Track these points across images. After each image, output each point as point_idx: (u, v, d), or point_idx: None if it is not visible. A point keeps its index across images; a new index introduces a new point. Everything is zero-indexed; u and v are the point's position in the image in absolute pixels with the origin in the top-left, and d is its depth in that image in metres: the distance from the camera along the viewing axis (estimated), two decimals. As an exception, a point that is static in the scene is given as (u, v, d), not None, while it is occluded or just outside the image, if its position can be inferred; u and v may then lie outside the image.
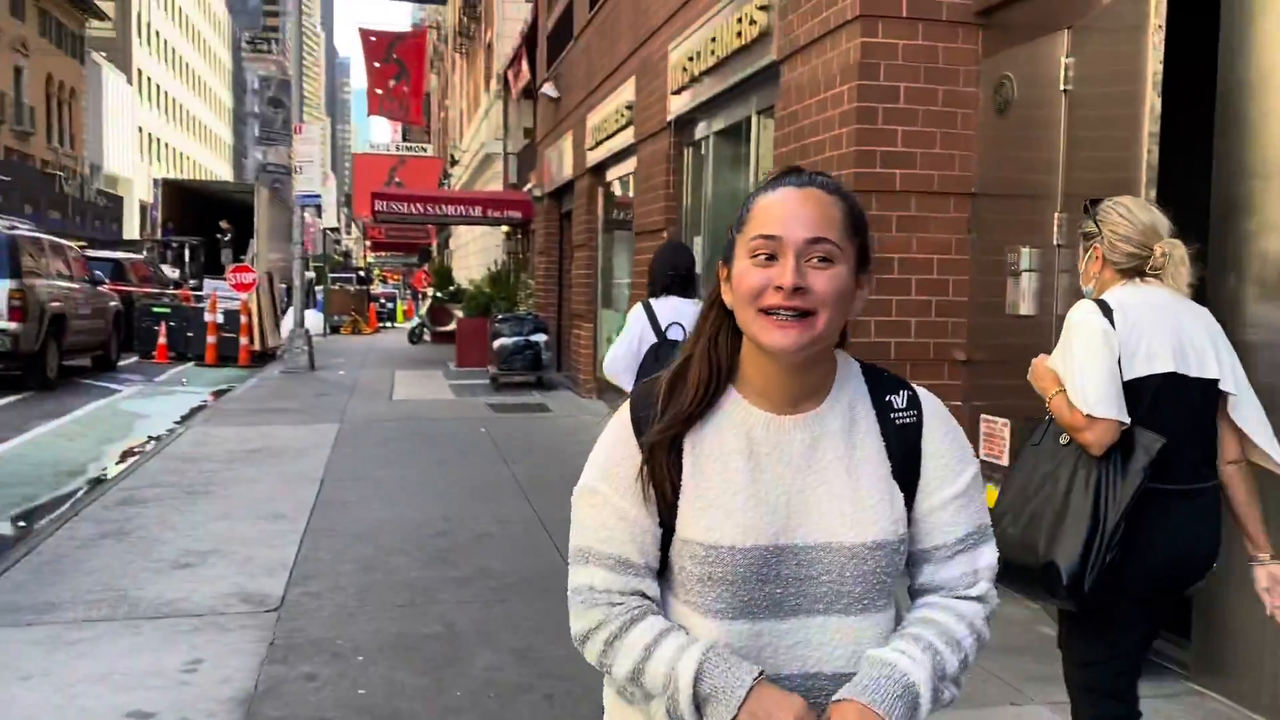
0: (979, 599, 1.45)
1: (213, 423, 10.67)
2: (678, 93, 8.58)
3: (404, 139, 52.46)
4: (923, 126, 5.38)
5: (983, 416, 5.18)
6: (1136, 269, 2.62)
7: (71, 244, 16.16)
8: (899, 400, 1.45)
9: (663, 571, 1.44)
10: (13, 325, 12.42)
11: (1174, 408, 2.54)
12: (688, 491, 1.38)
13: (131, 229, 51.80)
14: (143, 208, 56.52)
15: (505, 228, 21.91)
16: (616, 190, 12.51)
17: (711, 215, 8.53)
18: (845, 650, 1.39)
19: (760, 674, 1.32)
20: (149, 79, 68.34)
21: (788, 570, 1.36)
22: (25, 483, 7.89)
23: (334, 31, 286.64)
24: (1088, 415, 2.49)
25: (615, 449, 1.43)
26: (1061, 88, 4.57)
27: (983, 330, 5.35)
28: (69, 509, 6.72)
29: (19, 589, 4.99)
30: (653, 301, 4.53)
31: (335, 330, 27.13)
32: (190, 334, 18.23)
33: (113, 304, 16.36)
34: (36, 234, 14.27)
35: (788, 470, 1.38)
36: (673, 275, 4.60)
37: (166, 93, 73.04)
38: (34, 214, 37.05)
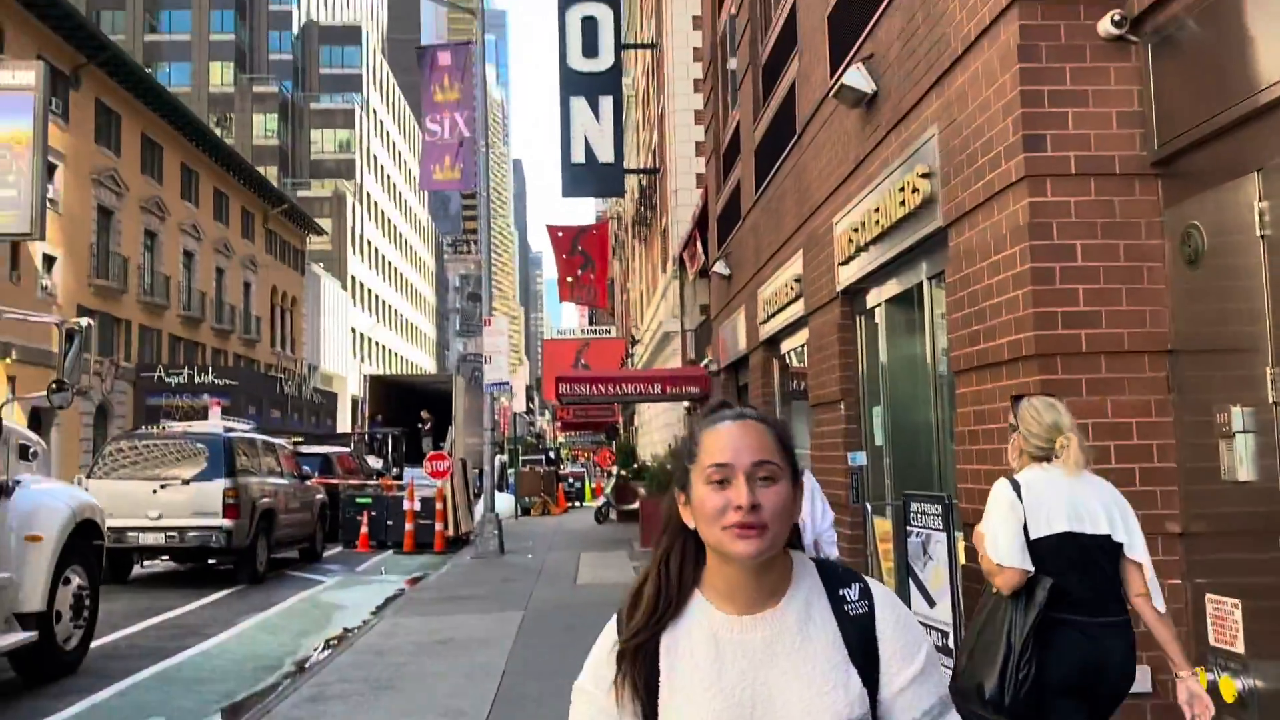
0: None
1: (403, 613, 10.86)
2: (845, 263, 8.51)
3: (590, 322, 54.59)
4: (1105, 284, 5.05)
5: (1208, 596, 4.61)
6: (1045, 455, 3.57)
7: (283, 441, 17.28)
8: (851, 593, 1.61)
9: None
10: (227, 522, 13.23)
11: (1070, 557, 3.41)
12: (664, 688, 1.57)
13: (344, 422, 55.24)
14: (354, 402, 60.51)
15: (686, 403, 22.07)
16: (791, 361, 12.40)
17: (889, 383, 8.26)
18: None
19: None
20: (361, 284, 74.42)
21: None
22: (227, 678, 8.15)
23: (526, 230, 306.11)
24: (999, 564, 3.44)
25: (601, 651, 1.65)
26: (1258, 233, 4.21)
27: (1198, 498, 4.82)
28: (260, 709, 6.84)
29: (205, 795, 5.05)
30: None
31: (526, 511, 27.65)
32: (390, 522, 18.94)
33: (319, 497, 17.26)
34: (250, 434, 15.35)
35: (750, 665, 1.55)
36: None
37: (376, 295, 79.19)
38: (255, 414, 40.19)
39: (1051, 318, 5.09)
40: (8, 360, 31.08)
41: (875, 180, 7.50)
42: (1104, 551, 3.43)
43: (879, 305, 8.32)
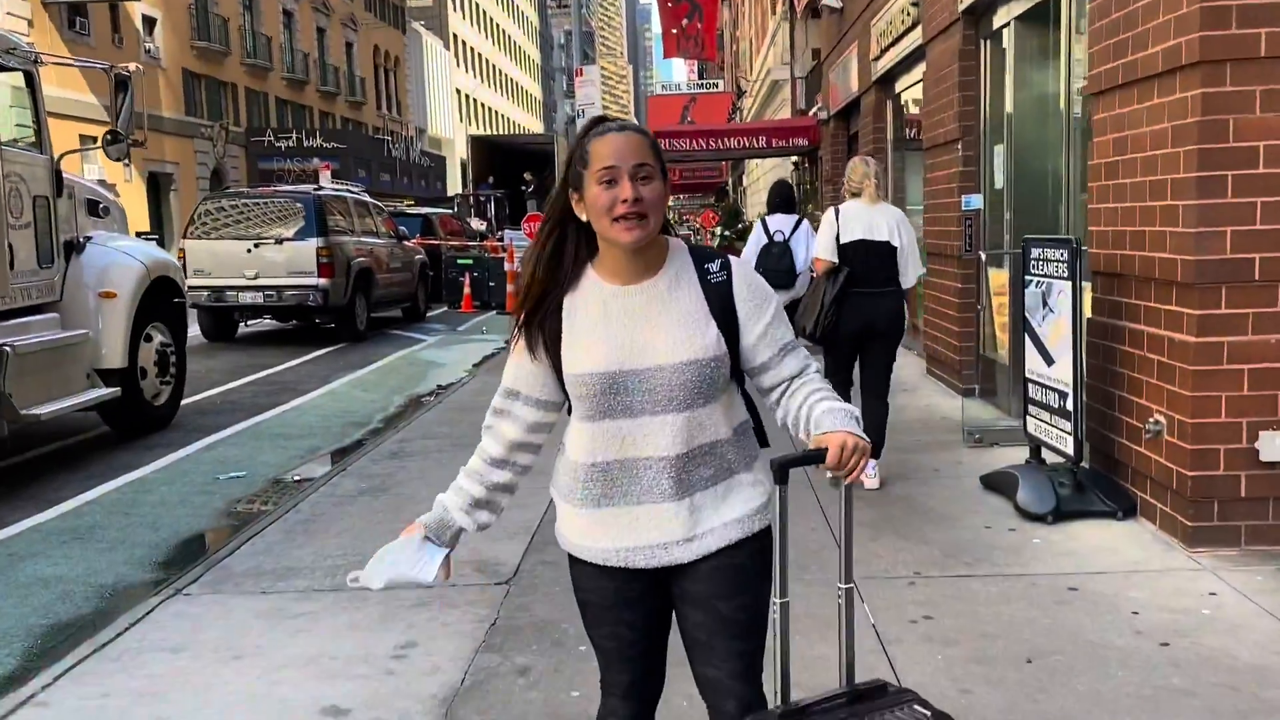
0: (817, 373, 2.10)
1: (495, 371, 10.67)
2: (970, -23, 7.33)
3: (700, 77, 52.19)
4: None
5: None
6: (856, 193, 5.51)
7: (377, 202, 16.96)
8: (714, 266, 2.03)
9: (569, 399, 2.05)
10: (322, 281, 13.15)
11: (864, 255, 5.38)
12: (565, 337, 1.99)
13: (454, 185, 55.23)
14: (463, 165, 60.25)
15: (793, 158, 20.91)
16: (906, 107, 11.26)
17: (1015, 119, 7.25)
18: (684, 436, 1.97)
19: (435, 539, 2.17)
20: (464, 43, 72.44)
21: (633, 385, 1.95)
22: (314, 433, 8.12)
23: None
24: (819, 259, 5.48)
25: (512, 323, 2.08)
26: None
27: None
28: (340, 464, 6.74)
29: (268, 550, 4.91)
30: (766, 217, 7.49)
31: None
32: (492, 283, 18.76)
33: (419, 258, 17.10)
34: (342, 193, 15.05)
35: (630, 321, 1.97)
36: (779, 200, 7.63)
37: (480, 54, 77.19)
38: (365, 177, 40.27)
39: (1223, 13, 4.09)
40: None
41: None
42: (884, 252, 5.43)
43: (1007, 25, 7.19)
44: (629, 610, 2.07)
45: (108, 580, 4.85)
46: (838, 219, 5.43)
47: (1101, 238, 5.09)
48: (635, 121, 2.04)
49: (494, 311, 18.14)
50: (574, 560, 2.11)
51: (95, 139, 7.51)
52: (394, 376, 11.13)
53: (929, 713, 1.84)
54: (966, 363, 7.99)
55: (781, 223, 7.29)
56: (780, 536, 1.98)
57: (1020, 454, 5.73)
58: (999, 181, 7.39)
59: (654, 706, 2.20)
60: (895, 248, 5.39)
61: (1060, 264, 4.99)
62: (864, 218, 5.40)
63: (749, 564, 2.01)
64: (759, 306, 2.02)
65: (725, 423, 2.01)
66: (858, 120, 13.56)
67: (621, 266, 1.98)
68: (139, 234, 26.21)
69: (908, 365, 9.85)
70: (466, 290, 18.67)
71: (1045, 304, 5.16)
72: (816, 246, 5.57)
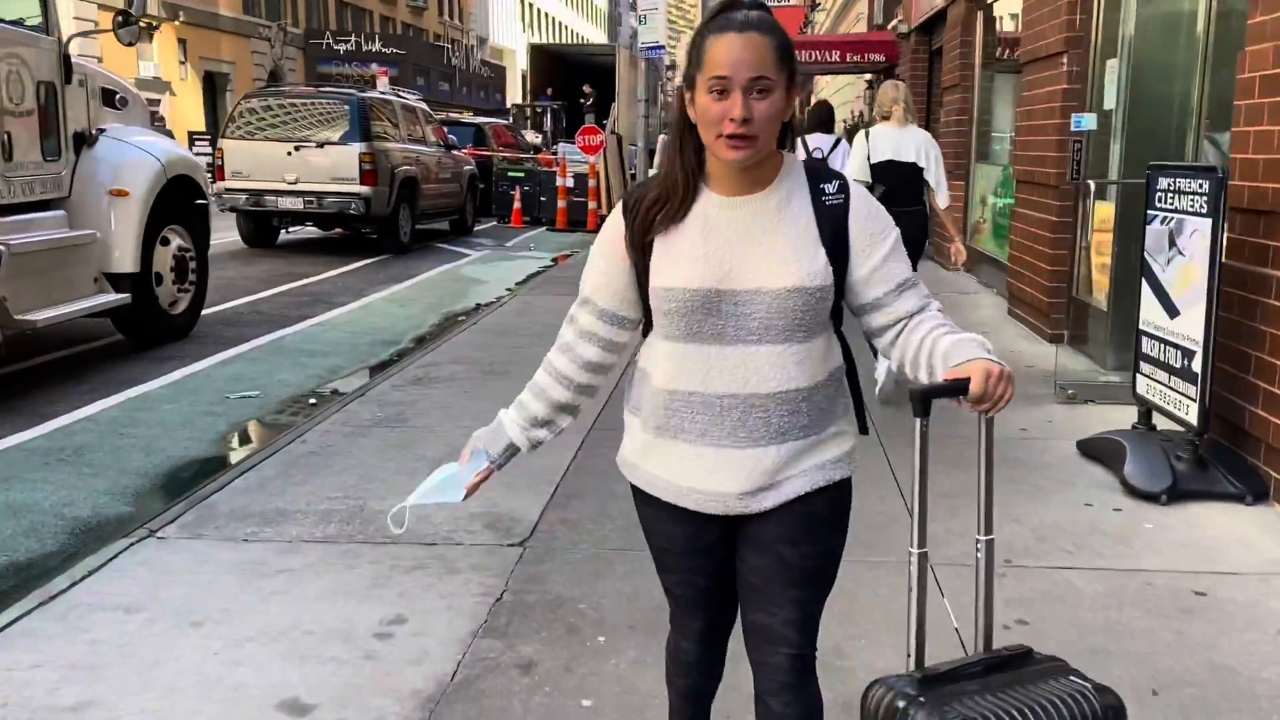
0: (939, 311, 1.85)
1: (538, 291, 10.06)
2: None
3: (770, -8, 50.12)
4: None
5: None
6: (884, 116, 5.85)
7: (427, 109, 16.22)
8: (830, 188, 1.81)
9: (648, 313, 1.86)
10: (364, 189, 12.53)
11: (892, 175, 5.66)
12: (658, 249, 1.80)
13: (514, 97, 54.14)
14: (523, 77, 58.99)
15: (867, 76, 19.73)
16: (1000, 23, 10.23)
17: (1136, 28, 6.31)
18: (776, 374, 1.77)
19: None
20: (529, -51, 70.42)
21: (727, 308, 1.75)
22: (339, 351, 7.57)
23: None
24: (853, 178, 4.37)
25: (615, 213, 1.88)
26: None
27: None
28: (359, 388, 6.17)
29: (261, 487, 4.36)
30: (806, 135, 6.97)
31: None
32: (543, 198, 18.06)
33: (468, 168, 16.38)
34: (388, 96, 14.35)
35: (733, 236, 1.77)
36: (817, 119, 7.32)
37: (545, -38, 75.07)
38: (424, 84, 39.50)
39: None
40: (176, 23, 30.88)
41: None
42: (910, 172, 5.67)
43: (1134, -83, 6.22)
44: (702, 557, 1.92)
45: (83, 513, 4.33)
46: (868, 141, 5.78)
47: (1248, 167, 4.26)
48: (767, 11, 1.73)
49: (544, 228, 17.46)
50: (640, 495, 1.94)
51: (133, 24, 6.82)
52: (433, 292, 10.53)
53: (1089, 684, 1.67)
54: (1057, 305, 7.17)
55: (820, 141, 7.11)
56: (920, 479, 1.76)
57: (1122, 416, 4.99)
58: (1109, 101, 6.48)
59: (725, 643, 2.05)
60: (921, 168, 5.69)
61: (1198, 197, 4.17)
62: (892, 139, 5.70)
63: (823, 513, 1.84)
64: (876, 237, 1.80)
65: (822, 364, 1.82)
66: (941, 35, 12.49)
67: (728, 179, 1.78)
68: (192, 134, 25.74)
69: (986, 304, 9.02)
70: (517, 205, 17.98)
71: (1172, 244, 4.36)
72: (850, 166, 5.86)
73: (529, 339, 7.50)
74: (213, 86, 33.89)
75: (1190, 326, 4.21)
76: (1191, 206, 4.21)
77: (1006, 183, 9.28)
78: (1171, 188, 4.38)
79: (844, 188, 1.81)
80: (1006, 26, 10.16)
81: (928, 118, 14.25)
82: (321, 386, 6.58)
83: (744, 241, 1.76)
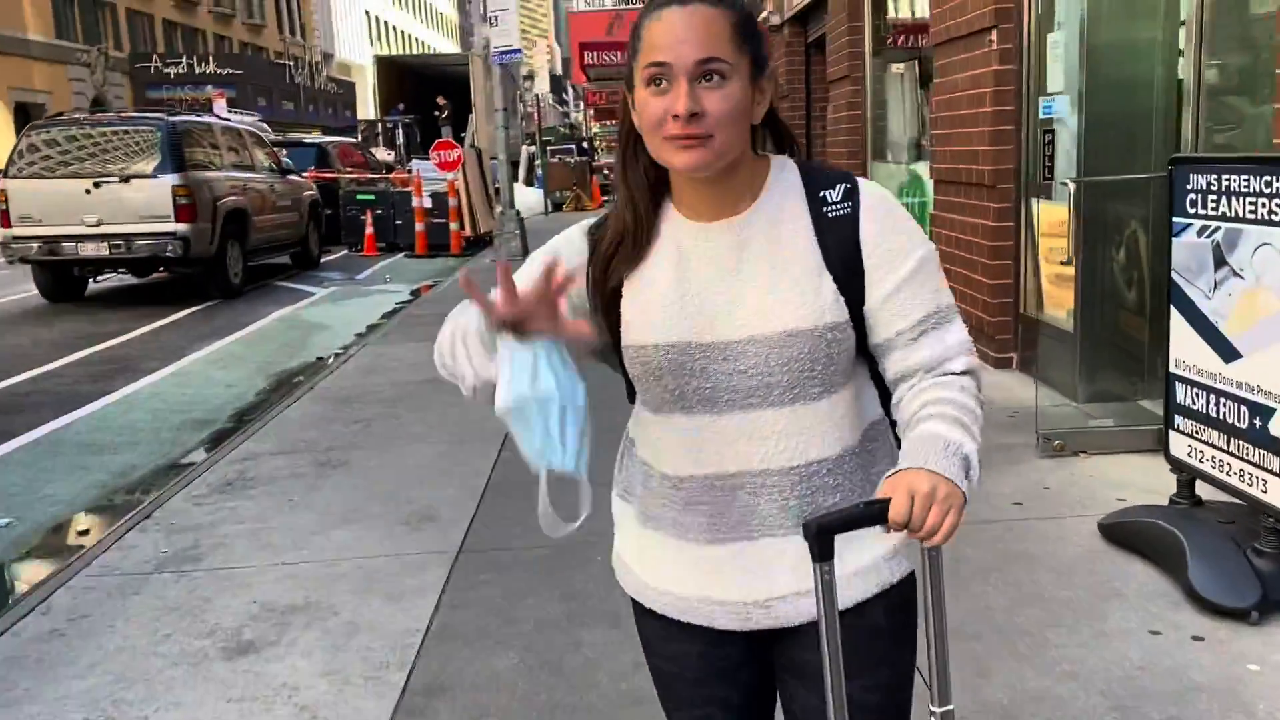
0: (964, 373, 1.36)
1: (393, 337, 8.58)
2: None
3: (624, -5, 49.35)
4: None
5: None
6: None
7: (255, 130, 14.46)
8: (834, 194, 1.39)
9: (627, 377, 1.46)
10: (181, 226, 10.78)
11: None
12: (627, 299, 1.39)
13: (365, 114, 51.99)
14: (374, 92, 56.72)
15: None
16: (891, 5, 9.26)
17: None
18: (787, 443, 1.36)
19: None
20: (372, -39, 68.00)
21: (715, 366, 1.35)
22: (135, 443, 5.98)
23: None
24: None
25: (567, 237, 1.46)
26: None
27: None
28: (141, 510, 4.62)
29: (-49, 719, 2.85)
30: None
31: (558, 207, 25.06)
32: (399, 222, 16.50)
33: (308, 194, 14.65)
34: (206, 119, 12.59)
35: (716, 273, 1.37)
36: None
37: (390, -27, 72.70)
38: (266, 106, 37.19)
39: None
40: None
41: None
42: None
43: None
44: (722, 684, 1.47)
45: None
46: None
47: (1314, 156, 3.19)
48: None
49: (401, 254, 15.89)
50: (640, 610, 1.51)
51: None
52: (264, 347, 8.92)
53: None
54: (1001, 325, 6.13)
55: None
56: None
57: (1126, 472, 4.02)
58: (1056, 84, 5.44)
59: None
60: None
61: (1264, 200, 3.07)
62: None
63: (883, 625, 1.40)
64: (893, 254, 1.35)
65: (852, 424, 1.40)
66: (820, 21, 11.50)
67: (699, 197, 1.38)
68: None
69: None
70: (369, 231, 16.34)
71: (1223, 263, 3.25)
72: None
73: (379, 409, 6.08)
74: (27, 119, 30.92)
75: (1263, 375, 3.10)
76: (1252, 212, 3.11)
77: (915, 182, 8.27)
78: (1214, 187, 3.28)
79: (851, 193, 1.38)
80: (901, 8, 9.19)
81: (807, 115, 13.32)
82: (102, 500, 5.03)
83: (727, 277, 1.36)
